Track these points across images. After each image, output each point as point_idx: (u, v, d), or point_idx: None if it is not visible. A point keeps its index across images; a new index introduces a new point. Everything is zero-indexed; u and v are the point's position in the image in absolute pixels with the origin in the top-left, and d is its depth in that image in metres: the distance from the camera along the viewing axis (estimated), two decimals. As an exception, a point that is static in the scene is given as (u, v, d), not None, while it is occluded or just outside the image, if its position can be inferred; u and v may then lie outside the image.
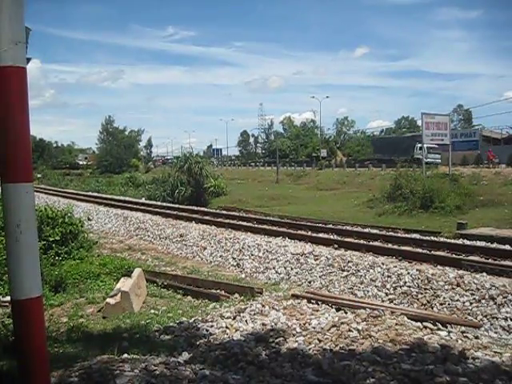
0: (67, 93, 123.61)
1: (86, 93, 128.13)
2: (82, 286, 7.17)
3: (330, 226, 12.03)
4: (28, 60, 2.24)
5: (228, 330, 4.63)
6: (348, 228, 11.74)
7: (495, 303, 5.68)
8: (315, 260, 8.03)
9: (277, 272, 7.86)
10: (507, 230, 10.40)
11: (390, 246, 8.88)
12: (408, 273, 6.70)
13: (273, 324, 4.64)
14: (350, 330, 4.29)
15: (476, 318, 5.58)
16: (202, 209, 17.24)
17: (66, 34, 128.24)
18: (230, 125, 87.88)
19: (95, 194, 26.90)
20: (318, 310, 5.08)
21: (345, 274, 7.18)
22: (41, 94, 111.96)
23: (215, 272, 8.15)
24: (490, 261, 7.14)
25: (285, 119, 68.66)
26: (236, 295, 6.35)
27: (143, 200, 23.12)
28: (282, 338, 4.23)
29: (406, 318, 4.65)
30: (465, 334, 4.47)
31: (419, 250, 8.29)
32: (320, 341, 4.14)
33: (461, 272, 6.54)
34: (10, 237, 2.00)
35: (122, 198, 23.68)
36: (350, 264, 7.55)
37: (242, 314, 5.03)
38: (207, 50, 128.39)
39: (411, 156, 30.16)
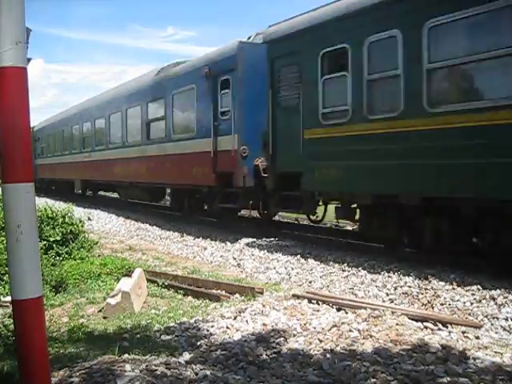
0: (69, 93, 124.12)
1: (89, 92, 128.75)
2: (83, 286, 7.16)
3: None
4: (29, 60, 2.24)
5: (229, 330, 4.62)
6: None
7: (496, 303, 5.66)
8: (315, 260, 8.04)
9: (277, 272, 7.85)
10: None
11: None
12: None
13: (273, 324, 4.63)
14: (350, 330, 4.29)
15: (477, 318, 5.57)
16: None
17: (67, 34, 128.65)
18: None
19: (96, 194, 26.79)
20: (318, 310, 5.08)
21: (345, 274, 7.18)
22: (43, 94, 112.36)
23: (216, 272, 8.14)
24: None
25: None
26: (236, 295, 6.34)
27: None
28: (282, 339, 4.23)
29: (406, 318, 4.65)
30: (465, 334, 4.46)
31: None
32: (321, 341, 4.14)
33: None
34: (11, 237, 2.00)
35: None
36: (350, 264, 7.55)
37: (242, 314, 5.02)
38: (207, 50, 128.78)
39: None
